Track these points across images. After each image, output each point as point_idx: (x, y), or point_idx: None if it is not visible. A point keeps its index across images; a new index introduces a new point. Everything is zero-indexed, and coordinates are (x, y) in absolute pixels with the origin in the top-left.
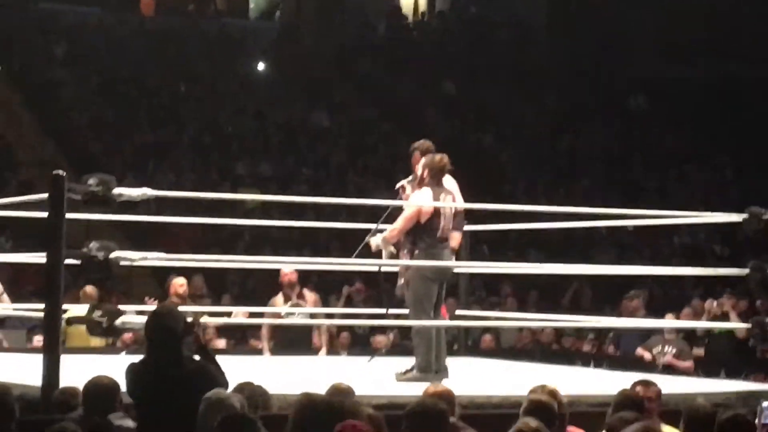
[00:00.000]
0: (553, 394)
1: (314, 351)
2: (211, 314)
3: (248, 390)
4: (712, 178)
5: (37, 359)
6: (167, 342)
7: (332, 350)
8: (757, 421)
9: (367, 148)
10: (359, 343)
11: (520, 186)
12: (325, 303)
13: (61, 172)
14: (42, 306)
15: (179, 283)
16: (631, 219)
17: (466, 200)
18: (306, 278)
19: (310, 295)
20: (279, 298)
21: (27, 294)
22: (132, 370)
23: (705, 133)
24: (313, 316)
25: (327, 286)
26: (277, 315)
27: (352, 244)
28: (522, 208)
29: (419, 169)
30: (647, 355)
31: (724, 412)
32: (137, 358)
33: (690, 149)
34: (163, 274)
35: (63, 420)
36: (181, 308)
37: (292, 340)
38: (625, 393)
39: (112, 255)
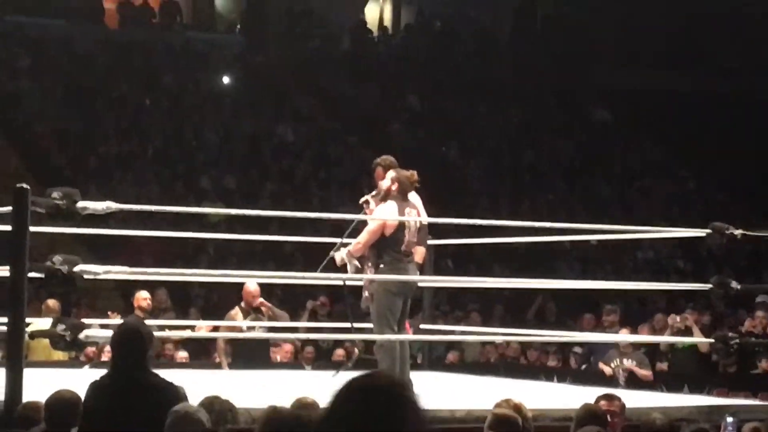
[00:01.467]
0: (518, 408)
1: (273, 365)
2: (174, 327)
3: (217, 404)
4: (674, 191)
5: None
6: (133, 355)
7: (296, 364)
8: None
9: (331, 160)
10: (323, 357)
11: (483, 199)
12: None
13: (24, 185)
14: (3, 320)
15: (143, 297)
16: (595, 234)
17: (429, 214)
18: (270, 292)
19: (275, 310)
20: (237, 312)
21: None
22: (95, 385)
23: (667, 146)
24: (272, 330)
25: (291, 300)
26: (237, 329)
27: (316, 257)
28: (486, 222)
29: (384, 183)
30: (607, 370)
31: (688, 427)
32: (101, 372)
33: (652, 162)
34: (128, 287)
35: None
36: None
37: (251, 355)
38: (587, 407)
39: (76, 268)
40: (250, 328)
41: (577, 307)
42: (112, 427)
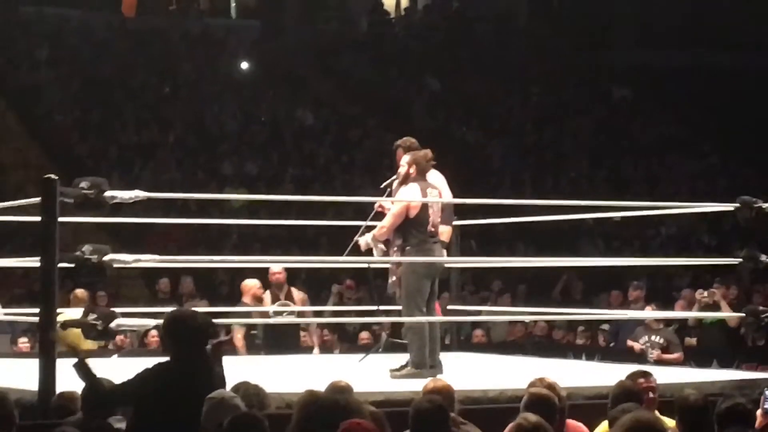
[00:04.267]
0: (552, 387)
1: (304, 350)
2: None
3: (243, 389)
4: (698, 166)
5: (25, 363)
6: (199, 343)
7: (325, 348)
8: (760, 407)
9: (352, 144)
10: (348, 340)
11: (505, 179)
12: (314, 301)
13: (53, 176)
14: (32, 310)
15: (256, 285)
16: (619, 211)
17: (453, 195)
18: (294, 276)
19: (298, 294)
20: (267, 296)
21: (13, 298)
22: (157, 371)
23: (689, 122)
24: (300, 314)
25: (316, 285)
26: (265, 314)
27: (340, 240)
28: (509, 202)
29: (402, 169)
30: (636, 346)
31: (724, 402)
32: (129, 360)
33: (675, 138)
34: (151, 275)
35: (62, 425)
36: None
37: (280, 340)
38: (623, 385)
39: (106, 258)
40: (278, 313)
41: (603, 284)
42: (172, 411)
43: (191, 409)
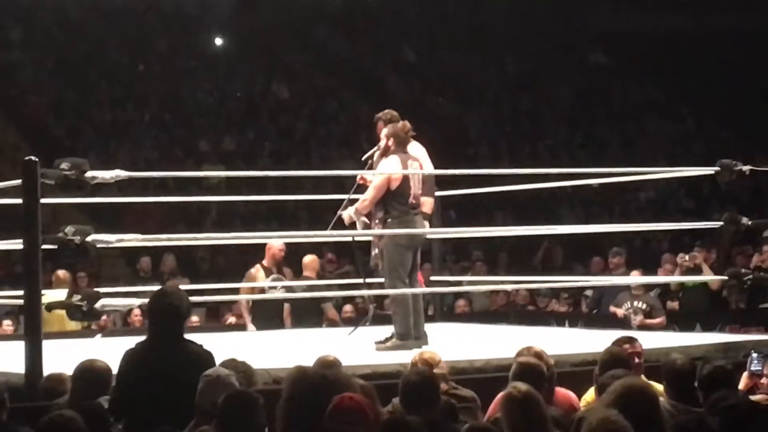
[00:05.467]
0: (540, 355)
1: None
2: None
3: (230, 366)
4: (675, 130)
5: (7, 345)
6: (171, 323)
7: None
8: (747, 369)
9: (329, 117)
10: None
11: (483, 148)
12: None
13: (33, 158)
14: (15, 293)
15: (279, 247)
16: (599, 177)
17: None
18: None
19: (287, 270)
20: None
21: None
22: (132, 352)
23: (666, 86)
24: (289, 289)
25: (297, 260)
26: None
27: (319, 214)
28: (488, 172)
29: (381, 143)
30: (619, 312)
31: (704, 366)
32: (113, 340)
33: (652, 102)
34: (132, 254)
35: (54, 406)
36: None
37: (268, 315)
38: (611, 351)
39: (89, 238)
40: (272, 288)
41: (584, 251)
42: (149, 393)
43: (164, 386)
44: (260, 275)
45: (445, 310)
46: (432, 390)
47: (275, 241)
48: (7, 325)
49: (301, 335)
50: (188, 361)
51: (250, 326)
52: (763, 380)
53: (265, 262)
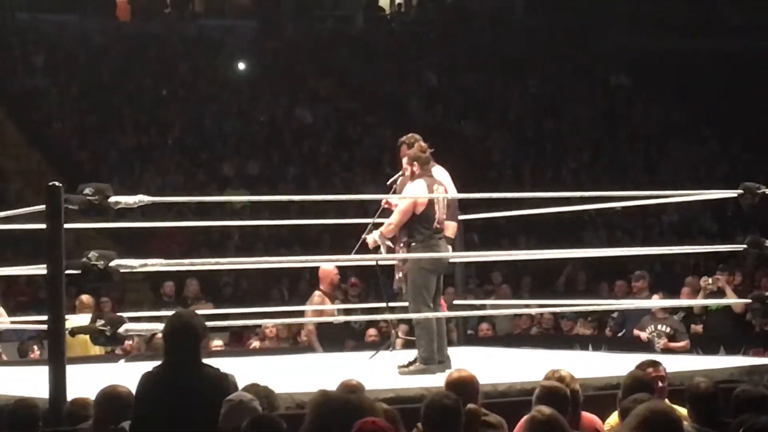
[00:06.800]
0: (565, 379)
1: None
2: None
3: (251, 391)
4: (698, 152)
5: (32, 370)
6: (187, 347)
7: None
8: None
9: (352, 141)
10: (354, 337)
11: (506, 172)
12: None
13: (57, 183)
14: (39, 318)
15: (333, 271)
16: (620, 200)
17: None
18: (298, 275)
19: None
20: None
21: (17, 305)
22: (149, 377)
23: (689, 108)
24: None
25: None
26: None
27: (342, 238)
28: (511, 195)
29: (407, 171)
30: (643, 335)
31: (741, 388)
32: (137, 365)
33: (675, 125)
34: (156, 279)
35: (78, 431)
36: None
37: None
38: (634, 375)
39: (113, 263)
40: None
41: (607, 274)
42: (167, 418)
43: (182, 409)
44: (326, 301)
45: (469, 333)
46: (455, 414)
47: (328, 266)
48: (32, 350)
49: (324, 359)
50: (205, 384)
51: (318, 347)
52: None
53: (323, 287)
